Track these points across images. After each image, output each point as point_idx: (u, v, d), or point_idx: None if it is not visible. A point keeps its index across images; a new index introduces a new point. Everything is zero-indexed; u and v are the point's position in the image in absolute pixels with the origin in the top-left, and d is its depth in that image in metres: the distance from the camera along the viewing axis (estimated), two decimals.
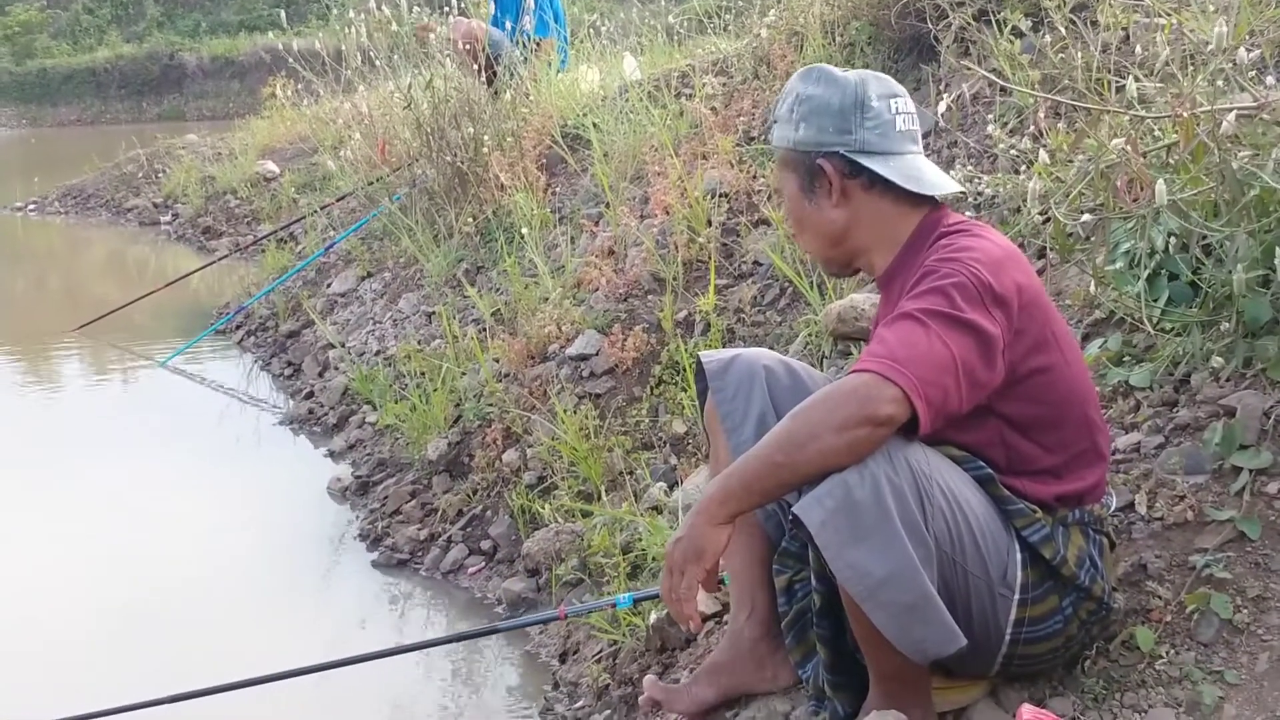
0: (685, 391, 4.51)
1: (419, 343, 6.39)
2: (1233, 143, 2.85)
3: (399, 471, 5.52)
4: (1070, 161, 3.40)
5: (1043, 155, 3.32)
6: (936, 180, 2.41)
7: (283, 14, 10.61)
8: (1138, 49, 3.54)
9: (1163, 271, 3.10)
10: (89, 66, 36.45)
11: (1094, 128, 3.32)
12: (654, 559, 3.78)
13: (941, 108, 3.58)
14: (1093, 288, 3.21)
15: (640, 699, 2.90)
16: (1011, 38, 4.09)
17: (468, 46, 7.67)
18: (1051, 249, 3.58)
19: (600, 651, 3.72)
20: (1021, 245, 3.81)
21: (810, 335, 4.30)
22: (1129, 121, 3.17)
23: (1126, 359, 3.19)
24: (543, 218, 6.41)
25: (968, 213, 4.03)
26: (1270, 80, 3.14)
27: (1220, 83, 3.01)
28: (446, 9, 8.28)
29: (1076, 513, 2.34)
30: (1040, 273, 3.70)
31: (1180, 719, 2.26)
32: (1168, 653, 2.39)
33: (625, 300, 5.21)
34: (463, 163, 7.18)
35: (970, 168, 4.26)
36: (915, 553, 2.10)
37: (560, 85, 7.60)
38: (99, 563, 4.91)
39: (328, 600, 4.69)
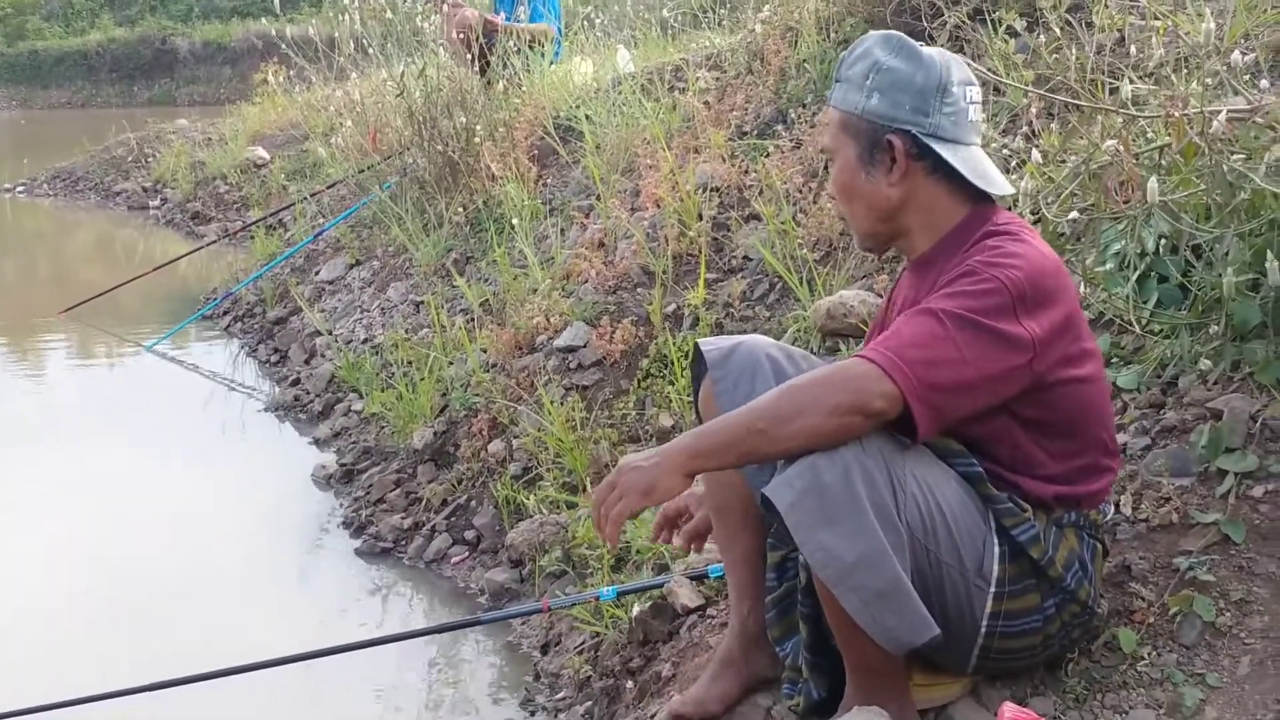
0: (673, 385, 4.51)
1: (406, 331, 6.38)
2: (1225, 145, 2.85)
3: (384, 460, 5.51)
4: (1062, 161, 3.40)
5: (1035, 154, 3.32)
6: (998, 180, 2.36)
7: (275, 0, 10.55)
8: (1132, 50, 3.54)
9: (1152, 273, 3.10)
10: (80, 49, 36.34)
11: (1086, 128, 3.32)
12: (638, 552, 3.77)
13: None
14: (1082, 288, 3.20)
15: None
16: (1006, 37, 4.09)
17: (462, 36, 7.65)
18: None
19: (582, 643, 3.72)
20: None
21: (799, 331, 4.30)
22: (1121, 122, 3.17)
23: (1115, 360, 3.18)
24: (533, 209, 6.40)
25: None
26: (1264, 84, 3.14)
27: (1213, 85, 3.01)
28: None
29: (1073, 515, 2.33)
30: None
31: None
32: (1150, 654, 2.39)
33: (614, 293, 5.20)
34: (454, 152, 7.16)
35: None
36: (886, 538, 2.10)
37: (553, 77, 7.59)
38: (80, 548, 4.90)
39: (310, 588, 4.68)
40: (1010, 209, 3.66)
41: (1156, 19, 3.49)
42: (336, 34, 8.74)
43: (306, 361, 7.21)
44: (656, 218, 5.39)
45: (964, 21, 4.37)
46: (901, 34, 2.38)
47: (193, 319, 8.52)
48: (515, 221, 6.07)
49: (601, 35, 8.87)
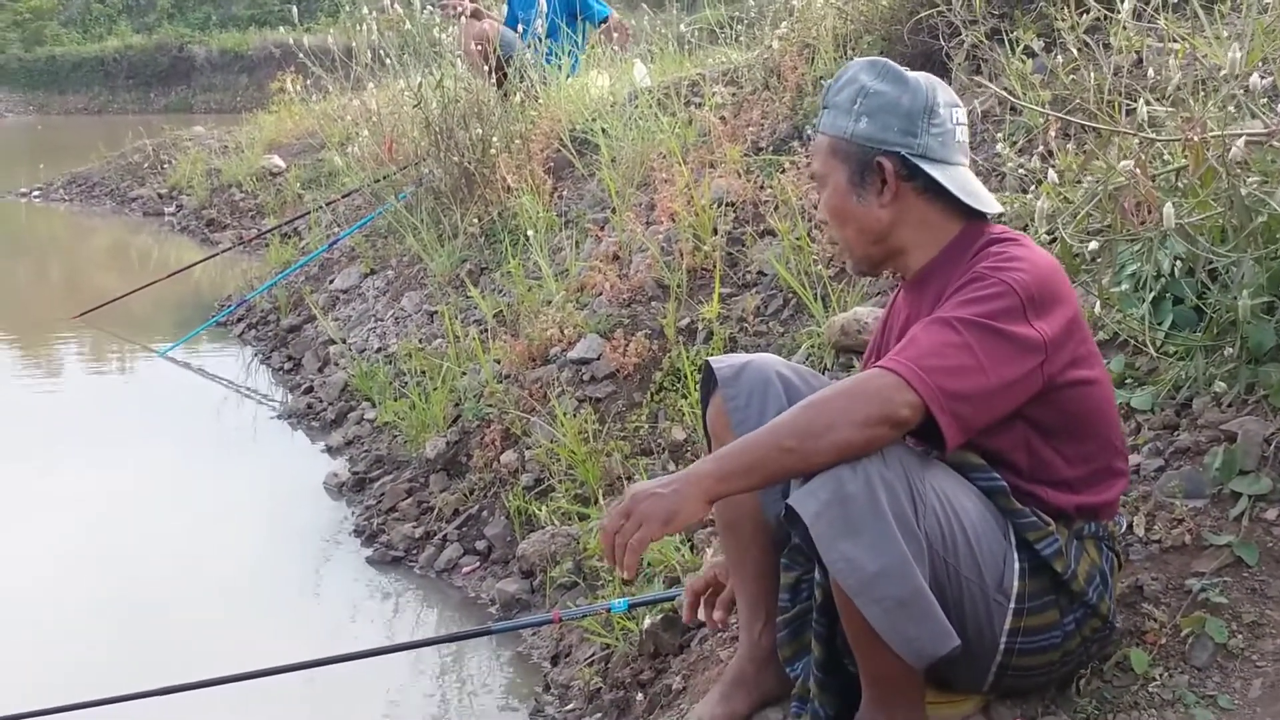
0: (686, 399, 4.52)
1: (420, 341, 6.39)
2: (1242, 169, 2.85)
3: (396, 469, 5.52)
4: (1078, 182, 3.41)
5: (1051, 175, 3.33)
6: (988, 199, 2.40)
7: (294, 10, 10.58)
8: (1150, 72, 3.55)
9: (1168, 295, 3.10)
10: (98, 56, 36.52)
11: (1103, 149, 3.32)
12: (649, 564, 3.78)
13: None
14: (1098, 309, 3.22)
15: None
16: (1023, 57, 4.10)
17: (479, 47, 7.67)
18: None
19: (593, 655, 3.72)
20: None
21: (813, 347, 4.31)
22: (1138, 144, 3.18)
23: (1129, 381, 3.19)
24: (548, 221, 6.42)
25: None
26: None
27: (1231, 108, 3.02)
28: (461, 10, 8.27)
29: (1092, 526, 2.34)
30: None
31: None
32: (1161, 675, 2.38)
33: (628, 306, 5.21)
34: (470, 163, 7.19)
35: None
36: (908, 548, 2.10)
37: (570, 90, 7.61)
38: (91, 553, 4.91)
39: (321, 596, 4.68)
40: (1026, 229, 3.67)
41: (1174, 41, 3.49)
42: (354, 44, 8.77)
43: (320, 370, 7.23)
44: (671, 232, 5.40)
45: (981, 41, 4.38)
46: (886, 59, 2.43)
47: (206, 326, 8.54)
48: (530, 233, 6.08)
49: (618, 49, 8.88)
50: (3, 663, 4.07)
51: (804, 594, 2.46)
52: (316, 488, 5.62)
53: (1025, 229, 3.78)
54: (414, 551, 4.87)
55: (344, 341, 7.16)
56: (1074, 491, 2.31)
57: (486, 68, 7.47)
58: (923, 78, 2.37)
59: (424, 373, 5.85)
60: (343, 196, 9.44)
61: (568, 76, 7.80)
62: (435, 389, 5.56)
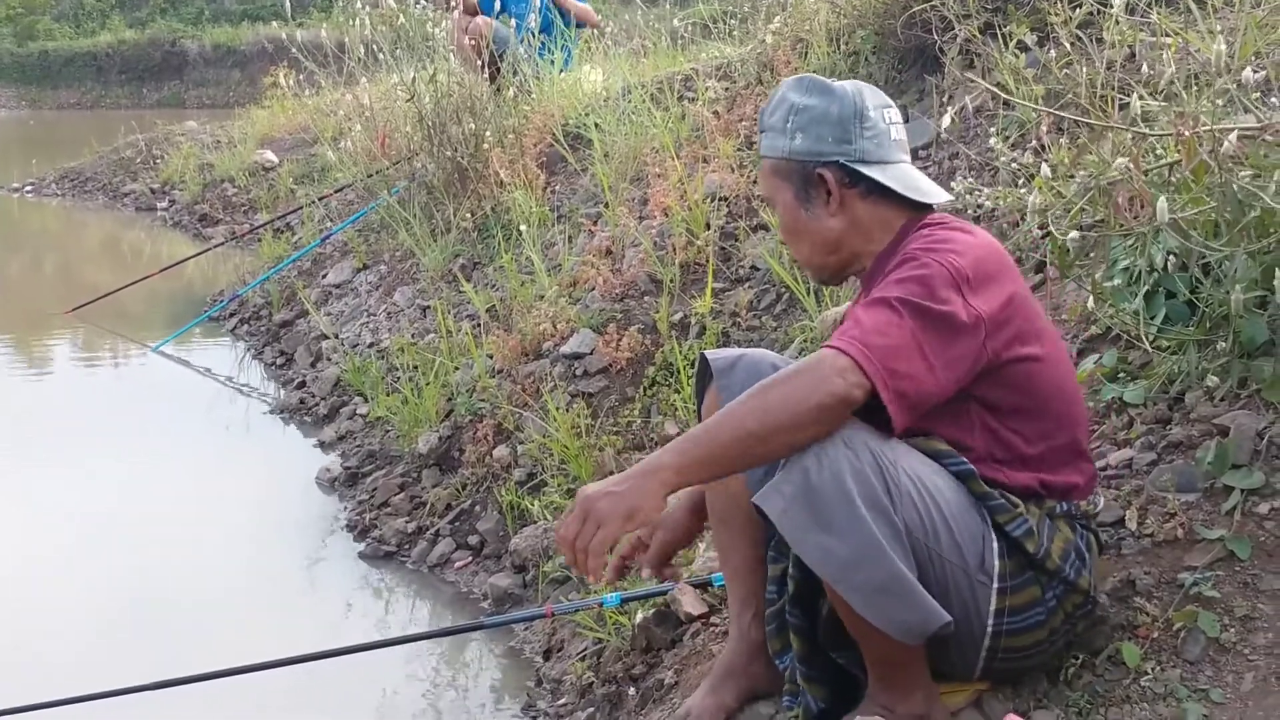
0: (679, 393, 4.51)
1: (413, 336, 6.39)
2: (1235, 163, 2.85)
3: (389, 464, 5.52)
4: (1071, 177, 3.40)
5: (1044, 169, 3.32)
6: (931, 189, 2.45)
7: (287, 4, 10.56)
8: (1143, 67, 3.54)
9: (1161, 289, 3.11)
10: (90, 50, 36.44)
11: (1096, 144, 3.32)
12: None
13: (945, 119, 3.59)
14: (1090, 303, 3.21)
15: None
16: (1016, 52, 4.09)
17: (473, 42, 7.66)
18: (1050, 264, 3.59)
19: (585, 649, 3.72)
20: (1020, 259, 3.82)
21: (806, 341, 4.31)
22: (1131, 139, 3.18)
23: (1122, 375, 3.19)
24: (541, 216, 6.41)
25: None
26: (1275, 101, 3.14)
27: (1224, 103, 3.02)
28: (454, 4, 8.27)
29: (1063, 505, 2.36)
30: (1038, 287, 3.71)
31: None
32: (1153, 669, 2.39)
33: (621, 300, 5.21)
34: (463, 158, 7.18)
35: (971, 180, 4.26)
36: (880, 533, 2.10)
37: (563, 84, 7.60)
38: (83, 549, 4.90)
39: (313, 590, 4.68)
40: (1019, 223, 3.67)
41: (1167, 36, 3.49)
42: (347, 39, 8.76)
43: (312, 364, 7.22)
44: (664, 226, 5.40)
45: (974, 35, 4.38)
46: (813, 75, 2.48)
47: (199, 321, 8.53)
48: (523, 228, 6.08)
49: (611, 44, 8.88)
50: None
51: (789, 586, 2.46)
52: (309, 483, 5.62)
53: (1018, 224, 3.79)
54: (406, 546, 4.87)
55: (336, 336, 7.15)
56: (1035, 470, 2.33)
57: (480, 62, 7.47)
58: (849, 85, 2.43)
59: (416, 368, 5.84)
60: (335, 191, 9.43)
61: (560, 71, 7.79)
62: (428, 384, 5.56)
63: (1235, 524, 2.60)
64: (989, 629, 2.28)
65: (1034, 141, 3.89)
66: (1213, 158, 2.79)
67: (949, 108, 4.47)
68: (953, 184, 4.00)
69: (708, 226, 5.24)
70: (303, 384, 6.96)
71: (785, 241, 2.58)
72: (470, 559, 4.68)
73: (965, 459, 2.28)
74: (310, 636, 4.03)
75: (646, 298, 5.17)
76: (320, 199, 9.44)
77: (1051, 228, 3.19)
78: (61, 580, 4.63)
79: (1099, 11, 3.79)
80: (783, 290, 4.75)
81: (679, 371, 4.55)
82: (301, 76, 11.15)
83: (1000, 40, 4.32)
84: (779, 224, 2.52)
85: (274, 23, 14.61)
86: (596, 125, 6.62)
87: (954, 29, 4.56)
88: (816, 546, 2.11)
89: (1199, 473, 2.75)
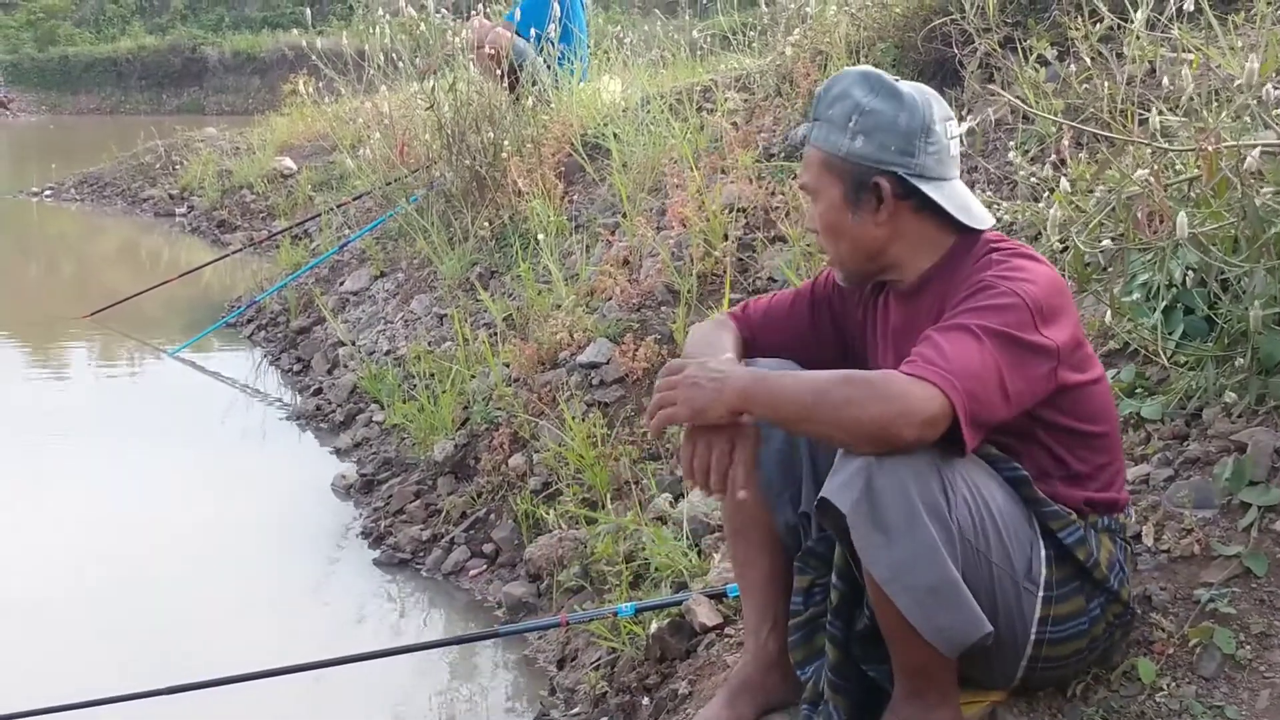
0: None
1: (429, 344, 6.40)
2: (1256, 179, 2.85)
3: (404, 471, 5.52)
4: (1091, 191, 3.41)
5: (1064, 184, 3.32)
6: (981, 214, 2.39)
7: (307, 12, 10.61)
8: (1164, 82, 3.55)
9: (1179, 305, 3.11)
10: (111, 56, 36.64)
11: (1116, 158, 3.32)
12: (656, 569, 3.77)
13: (964, 132, 3.59)
14: (1109, 318, 3.21)
15: None
16: (1036, 66, 4.10)
17: (492, 52, 7.68)
18: (1069, 278, 3.58)
19: (599, 659, 3.72)
20: None
21: None
22: (1151, 154, 3.18)
23: (1139, 390, 3.19)
24: (559, 225, 6.42)
25: None
26: None
27: (1245, 119, 3.02)
28: (474, 13, 8.29)
29: (1105, 520, 2.36)
30: None
31: None
32: (1169, 685, 2.38)
33: (638, 310, 5.21)
34: (481, 167, 7.20)
35: (990, 193, 4.26)
36: (937, 535, 2.11)
37: (582, 95, 7.62)
38: (99, 552, 4.90)
39: (328, 597, 4.68)
40: (1038, 237, 3.67)
41: (1188, 52, 3.49)
42: (366, 47, 8.78)
43: (329, 371, 7.24)
44: (682, 237, 5.41)
45: (994, 49, 4.38)
46: (879, 72, 2.39)
47: (216, 326, 8.54)
48: (540, 237, 6.08)
49: (630, 55, 8.89)
50: (11, 661, 4.08)
51: (817, 597, 2.46)
52: (324, 489, 5.63)
53: (1037, 238, 3.78)
54: (421, 554, 4.87)
55: (353, 343, 7.17)
56: (1084, 487, 2.33)
57: (499, 71, 7.49)
58: (917, 93, 2.35)
59: (433, 375, 5.85)
60: (354, 199, 9.45)
61: (578, 82, 7.80)
62: (444, 392, 5.56)
63: (1252, 541, 2.60)
64: (1032, 636, 2.28)
65: (1053, 155, 3.89)
66: (1234, 174, 2.80)
67: (968, 121, 4.47)
68: None
69: (725, 237, 5.24)
70: (319, 391, 6.97)
71: (819, 236, 2.51)
72: (485, 567, 4.69)
73: (1018, 465, 2.28)
74: (324, 643, 4.05)
75: (663, 308, 5.17)
76: (338, 206, 9.47)
77: (1075, 240, 3.19)
78: (75, 584, 4.64)
79: (1120, 26, 3.79)
80: None
81: None
82: (321, 84, 11.18)
83: (1020, 54, 4.32)
84: (816, 217, 2.45)
85: (294, 30, 14.70)
86: (615, 135, 6.63)
87: (974, 43, 4.56)
88: (874, 545, 2.12)
89: (1216, 489, 2.74)
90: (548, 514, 4.52)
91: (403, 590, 4.70)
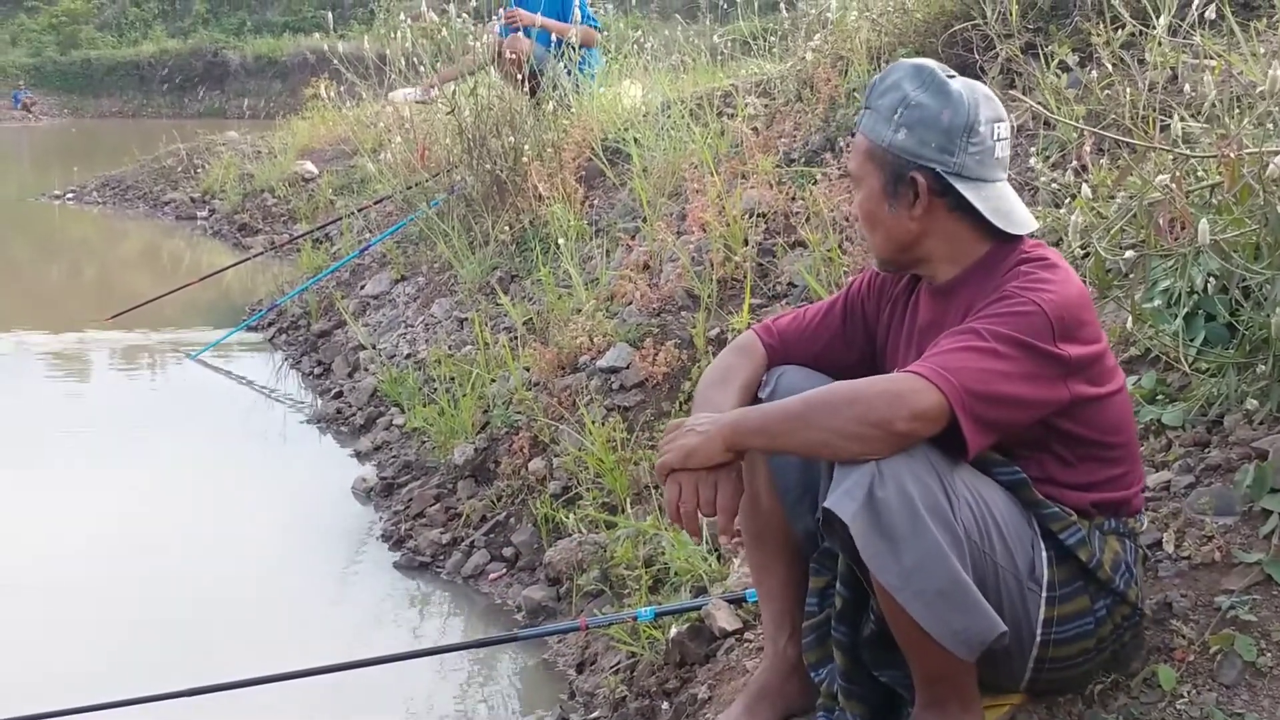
0: None
1: (450, 348, 6.41)
2: (1277, 186, 2.84)
3: (424, 475, 5.54)
4: (1112, 197, 3.40)
5: (1085, 190, 3.32)
6: (1023, 218, 2.38)
7: (329, 16, 10.64)
8: (1185, 88, 3.54)
9: (1200, 311, 3.10)
10: (133, 59, 36.84)
11: (1138, 165, 3.32)
12: (675, 574, 3.78)
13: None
14: (1129, 324, 3.21)
15: None
16: (1058, 72, 4.10)
17: (513, 57, 7.70)
18: (1090, 284, 3.58)
19: (618, 663, 3.72)
20: None
21: None
22: (1173, 160, 3.17)
23: (1160, 397, 3.18)
24: (579, 229, 6.43)
25: None
26: None
27: (1268, 125, 3.01)
28: (495, 18, 8.31)
29: (1112, 522, 2.36)
30: None
31: None
32: (1189, 692, 2.38)
33: (658, 315, 5.22)
34: (502, 171, 7.21)
35: None
36: (943, 539, 2.11)
37: (602, 99, 7.63)
38: (120, 554, 4.93)
39: (347, 600, 4.69)
40: (1059, 243, 3.67)
41: (1210, 58, 3.49)
42: (388, 51, 8.81)
43: (349, 375, 7.26)
44: (702, 242, 5.41)
45: (1016, 55, 4.38)
46: (934, 65, 2.38)
47: (237, 330, 8.57)
48: (561, 241, 6.09)
49: (650, 60, 8.90)
50: (30, 661, 4.10)
51: (831, 598, 2.46)
52: (345, 492, 5.64)
53: (1059, 243, 3.78)
54: (441, 557, 4.88)
55: (374, 347, 7.19)
56: (1091, 491, 2.34)
57: (520, 76, 7.50)
58: (966, 91, 2.34)
59: (453, 379, 5.86)
60: (374, 203, 9.48)
61: (598, 86, 7.82)
62: (464, 395, 5.58)
63: (1273, 548, 2.59)
64: (1038, 638, 2.28)
65: (1075, 161, 3.89)
66: (1256, 180, 2.79)
67: None
68: None
69: (746, 242, 5.24)
70: (340, 394, 6.99)
71: (860, 221, 2.53)
72: (504, 571, 4.69)
73: (1017, 468, 2.28)
74: (344, 646, 4.06)
75: (683, 313, 5.17)
76: (359, 210, 9.50)
77: (1096, 246, 3.18)
78: (96, 585, 4.66)
79: (1141, 33, 3.78)
80: None
81: None
82: (342, 88, 11.22)
83: (1042, 60, 4.32)
84: (858, 204, 2.48)
85: (315, 34, 14.74)
86: (635, 140, 6.63)
87: (995, 48, 4.56)
88: (880, 553, 2.12)
89: (1237, 496, 2.74)
90: (567, 518, 4.53)
91: (422, 593, 4.71)
